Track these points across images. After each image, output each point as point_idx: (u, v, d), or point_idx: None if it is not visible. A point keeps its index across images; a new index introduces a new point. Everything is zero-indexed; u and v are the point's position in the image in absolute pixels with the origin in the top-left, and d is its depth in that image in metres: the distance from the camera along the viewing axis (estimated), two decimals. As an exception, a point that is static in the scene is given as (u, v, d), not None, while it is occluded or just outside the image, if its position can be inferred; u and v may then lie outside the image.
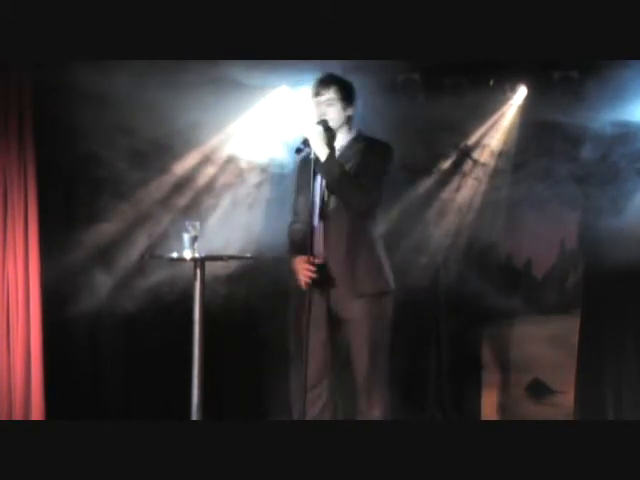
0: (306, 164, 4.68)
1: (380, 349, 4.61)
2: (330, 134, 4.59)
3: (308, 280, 4.53)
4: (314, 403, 4.61)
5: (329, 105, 4.61)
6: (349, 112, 4.66)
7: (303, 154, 4.63)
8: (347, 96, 4.65)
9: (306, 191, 4.64)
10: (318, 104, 4.63)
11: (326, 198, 4.59)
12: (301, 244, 4.64)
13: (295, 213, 4.80)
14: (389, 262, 4.74)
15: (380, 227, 4.80)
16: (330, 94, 4.61)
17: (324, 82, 4.63)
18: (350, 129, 4.70)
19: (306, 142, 4.56)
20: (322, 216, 4.58)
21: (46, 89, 5.66)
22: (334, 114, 4.62)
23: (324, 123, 4.59)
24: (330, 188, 4.56)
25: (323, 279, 4.57)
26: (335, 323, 4.64)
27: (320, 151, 4.53)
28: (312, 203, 4.57)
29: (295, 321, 4.66)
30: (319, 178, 4.60)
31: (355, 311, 4.57)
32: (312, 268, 4.52)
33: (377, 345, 4.59)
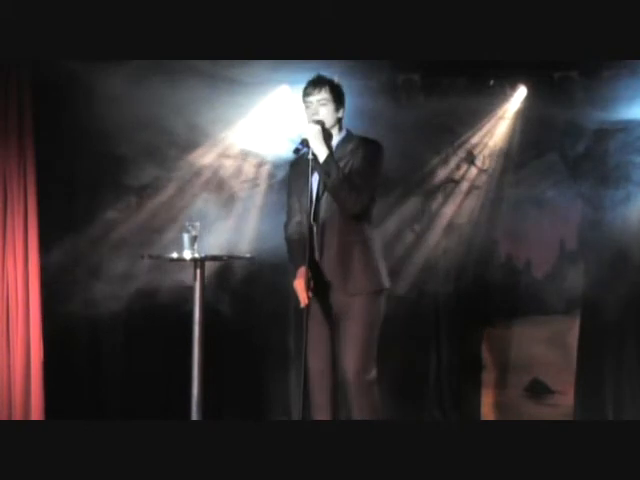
0: (298, 165, 4.69)
1: (371, 347, 4.60)
2: (327, 134, 4.59)
3: (306, 302, 4.56)
4: (322, 407, 4.62)
5: (322, 105, 4.61)
6: (340, 114, 4.66)
7: (300, 154, 4.62)
8: (338, 97, 4.66)
9: (299, 192, 4.65)
10: (310, 104, 4.63)
11: (319, 199, 4.60)
12: (299, 246, 4.65)
13: (289, 215, 4.79)
14: (385, 261, 4.73)
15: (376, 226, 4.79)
16: (323, 94, 4.61)
17: (316, 83, 4.64)
18: (340, 129, 4.70)
19: (304, 142, 4.55)
20: (315, 217, 4.59)
21: (46, 88, 5.66)
22: (326, 114, 4.62)
23: (321, 123, 4.59)
24: (328, 188, 4.55)
25: (321, 279, 4.59)
26: (333, 321, 4.64)
27: (319, 150, 4.53)
28: (310, 203, 4.57)
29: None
30: (314, 179, 4.60)
31: (348, 309, 4.58)
32: (309, 295, 4.54)
33: (368, 343, 4.59)
